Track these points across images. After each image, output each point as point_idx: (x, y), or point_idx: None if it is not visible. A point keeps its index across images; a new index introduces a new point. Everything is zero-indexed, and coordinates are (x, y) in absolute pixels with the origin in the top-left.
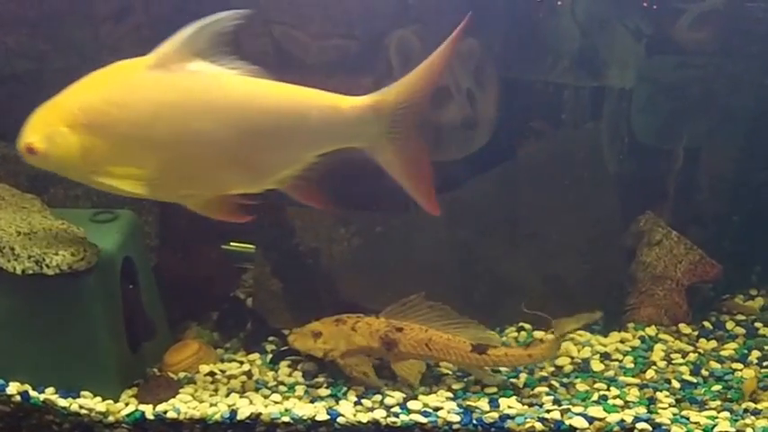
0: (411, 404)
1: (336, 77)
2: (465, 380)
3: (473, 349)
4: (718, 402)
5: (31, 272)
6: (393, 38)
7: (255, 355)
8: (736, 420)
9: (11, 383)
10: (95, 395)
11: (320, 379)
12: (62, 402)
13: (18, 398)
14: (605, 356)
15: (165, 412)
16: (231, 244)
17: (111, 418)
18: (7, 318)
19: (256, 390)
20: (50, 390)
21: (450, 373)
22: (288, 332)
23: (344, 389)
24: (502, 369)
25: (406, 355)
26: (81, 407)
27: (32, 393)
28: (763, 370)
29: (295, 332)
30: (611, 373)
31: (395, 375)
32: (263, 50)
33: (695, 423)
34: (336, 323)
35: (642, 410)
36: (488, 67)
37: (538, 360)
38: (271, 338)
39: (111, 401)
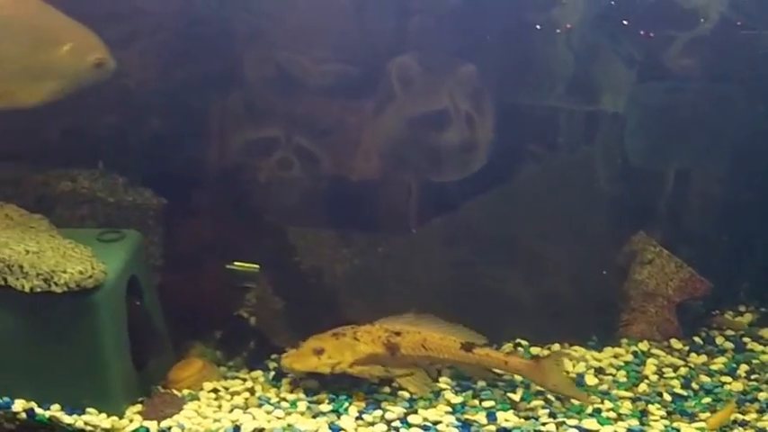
0: (411, 418)
1: (337, 102)
2: (463, 394)
3: (462, 347)
4: (708, 414)
5: (39, 289)
6: (394, 63)
7: (258, 373)
8: None
9: (16, 400)
10: (100, 412)
11: (322, 395)
12: (67, 419)
13: (23, 415)
14: (599, 371)
15: (170, 428)
16: (234, 264)
17: None
18: (15, 335)
19: (259, 406)
20: (56, 407)
21: (450, 387)
22: (283, 355)
23: (346, 404)
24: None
25: (407, 358)
26: (86, 423)
27: (38, 410)
28: (750, 383)
29: (290, 354)
30: (604, 387)
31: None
32: (267, 74)
33: None
34: (336, 336)
35: (635, 423)
36: (486, 92)
37: (512, 370)
38: (273, 356)
39: (115, 418)
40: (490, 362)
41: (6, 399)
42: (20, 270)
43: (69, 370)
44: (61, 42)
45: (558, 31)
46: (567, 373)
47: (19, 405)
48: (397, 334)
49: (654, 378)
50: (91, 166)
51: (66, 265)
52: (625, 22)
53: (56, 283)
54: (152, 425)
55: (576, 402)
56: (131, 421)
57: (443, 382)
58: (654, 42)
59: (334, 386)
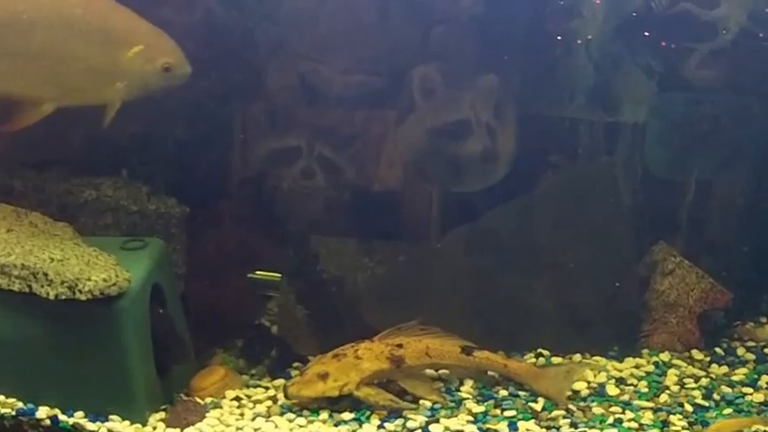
0: (433, 427)
1: (360, 112)
2: (485, 404)
3: (462, 351)
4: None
5: (64, 297)
6: (416, 74)
7: (281, 381)
8: None
9: (40, 407)
10: (124, 419)
11: (344, 404)
12: (91, 426)
13: (47, 422)
14: (620, 381)
15: None
16: (257, 272)
17: None
18: (39, 342)
19: (281, 414)
20: (79, 413)
21: (471, 397)
22: (287, 384)
23: (368, 413)
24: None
25: (413, 368)
26: (109, 430)
27: (62, 417)
28: None
29: (296, 382)
30: (626, 397)
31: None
32: (289, 84)
33: None
34: (337, 358)
35: None
36: (507, 102)
37: (512, 374)
38: (295, 364)
39: (139, 425)
40: (490, 365)
41: (30, 405)
42: (45, 277)
43: (93, 377)
44: (130, 44)
45: (578, 42)
46: (571, 388)
47: (43, 412)
48: (400, 346)
49: (675, 389)
50: (114, 175)
51: (91, 273)
52: (645, 34)
53: (80, 291)
54: None
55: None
56: (154, 429)
57: (465, 392)
58: (674, 53)
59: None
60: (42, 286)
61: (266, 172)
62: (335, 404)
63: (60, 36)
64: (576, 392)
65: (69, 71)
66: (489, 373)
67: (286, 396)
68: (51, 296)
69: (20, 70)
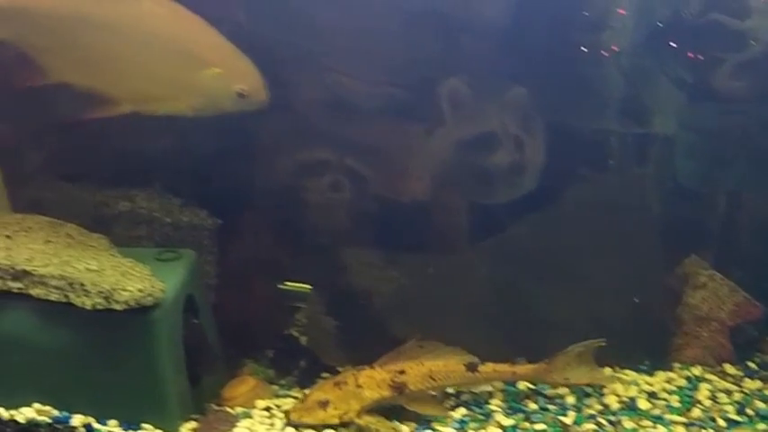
0: None
1: (388, 124)
2: (515, 416)
3: (467, 368)
4: None
5: (100, 307)
6: (444, 86)
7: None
8: None
9: (75, 415)
10: (156, 428)
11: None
12: None
13: (82, 430)
14: (652, 395)
15: None
16: (286, 283)
17: None
18: (75, 350)
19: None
20: (113, 422)
21: (501, 410)
22: (290, 409)
23: (397, 423)
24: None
25: (417, 393)
26: None
27: (96, 426)
28: None
29: (297, 408)
30: (657, 412)
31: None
32: (317, 97)
33: None
34: (338, 386)
35: None
36: (536, 115)
37: (522, 378)
38: (324, 375)
39: None
40: (498, 376)
41: (65, 413)
42: (81, 288)
43: (127, 386)
44: (208, 65)
45: (607, 53)
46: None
47: (77, 420)
48: (402, 372)
49: (707, 403)
50: (148, 187)
51: (127, 284)
52: (675, 45)
53: (116, 301)
54: None
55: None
56: None
57: (494, 405)
58: (704, 64)
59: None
60: (79, 296)
61: (295, 184)
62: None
63: (144, 46)
64: (607, 406)
65: (148, 80)
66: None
67: (288, 421)
68: (88, 306)
69: (104, 71)
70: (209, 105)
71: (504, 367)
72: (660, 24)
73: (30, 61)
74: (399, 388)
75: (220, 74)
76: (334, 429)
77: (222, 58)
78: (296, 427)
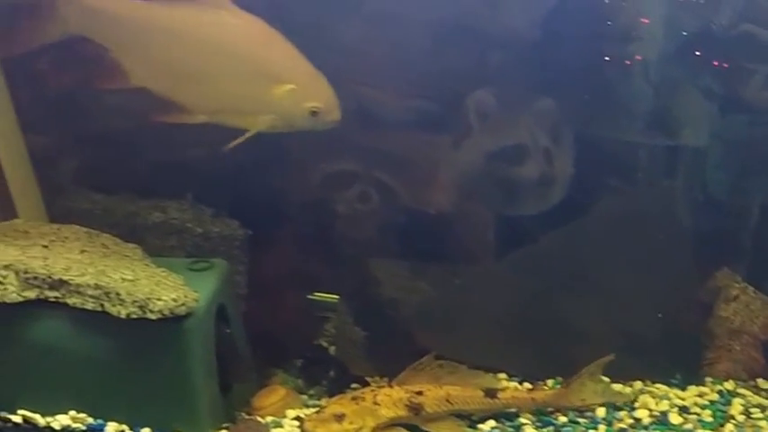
0: None
1: (417, 136)
2: (544, 430)
3: (485, 394)
4: None
5: (134, 316)
6: (472, 98)
7: None
8: None
9: (109, 423)
10: None
11: None
12: None
13: None
14: (684, 410)
15: None
16: (315, 294)
17: None
18: (109, 359)
19: None
20: (146, 430)
21: (530, 422)
22: (305, 418)
23: None
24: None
25: (433, 416)
26: None
27: None
28: None
29: (312, 419)
30: (689, 426)
31: None
32: (345, 109)
33: None
34: (355, 401)
35: None
36: (565, 126)
37: (542, 404)
38: (353, 385)
39: None
40: (517, 403)
41: (100, 421)
42: (117, 297)
43: (159, 394)
44: (283, 81)
45: (636, 65)
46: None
47: (111, 428)
48: (419, 393)
49: (741, 418)
50: (180, 198)
51: (161, 293)
52: (706, 56)
53: (150, 310)
54: None
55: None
56: None
57: (524, 418)
58: (734, 75)
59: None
60: (114, 305)
61: (324, 195)
62: None
63: (220, 59)
64: (638, 420)
65: (223, 93)
66: None
67: (302, 430)
68: (123, 315)
69: (182, 80)
70: (281, 122)
71: (522, 393)
72: (690, 36)
73: (114, 63)
74: (416, 409)
75: (294, 91)
76: None
77: (297, 76)
78: None
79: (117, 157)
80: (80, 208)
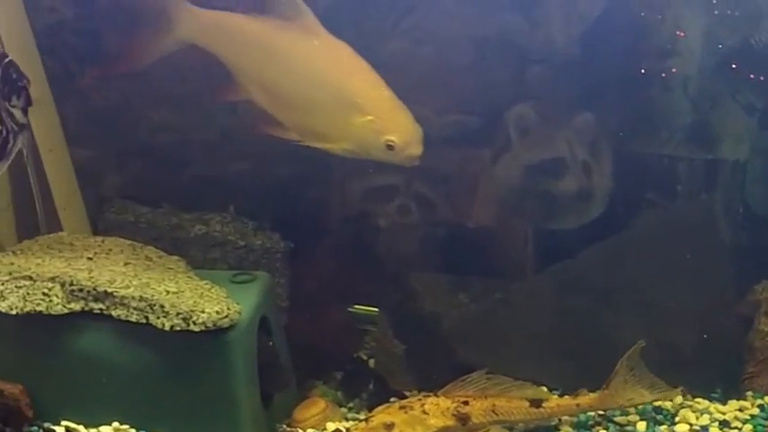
0: None
1: (457, 151)
2: None
3: (531, 404)
4: None
5: (178, 328)
6: (511, 113)
7: None
8: None
9: None
10: None
11: None
12: None
13: None
14: (724, 424)
15: None
16: (355, 307)
17: None
18: (153, 371)
19: None
20: None
21: (571, 430)
22: (351, 428)
23: None
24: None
25: (479, 426)
26: None
27: None
28: None
29: (360, 428)
30: None
31: None
32: None
33: None
34: (404, 410)
35: None
36: (604, 140)
37: (586, 410)
38: (392, 399)
39: None
40: (562, 412)
41: None
42: (161, 309)
43: (202, 406)
44: (362, 112)
45: (674, 79)
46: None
47: None
48: (466, 403)
49: None
50: (222, 211)
51: (205, 306)
52: (743, 70)
53: (194, 323)
54: None
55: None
56: None
57: (567, 424)
58: None
59: None
60: (158, 318)
61: (365, 209)
62: None
63: (309, 83)
64: None
65: (310, 116)
66: None
67: None
68: (167, 327)
69: (279, 99)
70: (359, 151)
71: (567, 401)
72: (728, 50)
73: (227, 76)
74: (463, 419)
75: (372, 122)
76: None
77: (377, 108)
78: None
79: (161, 170)
80: (125, 221)
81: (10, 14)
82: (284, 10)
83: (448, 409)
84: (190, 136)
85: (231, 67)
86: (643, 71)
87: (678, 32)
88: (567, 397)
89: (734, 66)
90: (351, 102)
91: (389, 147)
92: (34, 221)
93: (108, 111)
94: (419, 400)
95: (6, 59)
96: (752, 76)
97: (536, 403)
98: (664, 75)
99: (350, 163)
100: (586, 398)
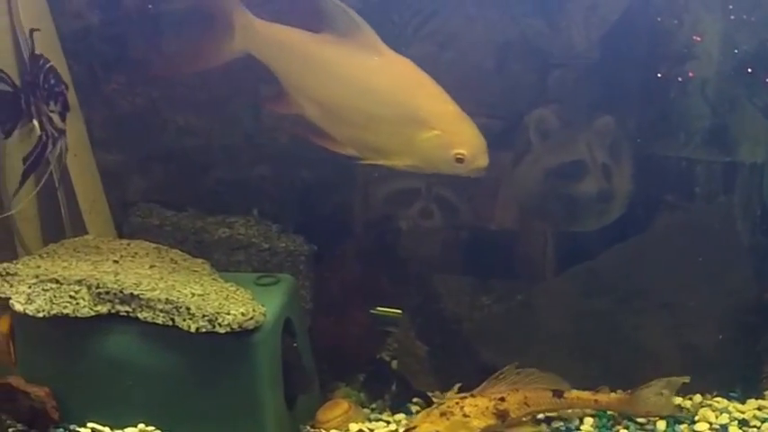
0: None
1: None
2: None
3: (553, 394)
4: None
5: (204, 330)
6: (532, 116)
7: (401, 416)
8: None
9: None
10: None
11: None
12: None
13: None
14: (743, 423)
15: None
16: (378, 308)
17: None
18: (178, 372)
19: None
20: None
21: (593, 429)
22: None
23: None
24: None
25: (515, 421)
26: None
27: None
28: None
29: None
30: None
31: None
32: None
33: None
34: (445, 416)
35: None
36: (623, 143)
37: (603, 407)
38: (415, 400)
39: None
40: (581, 403)
41: None
42: (187, 311)
43: (227, 407)
44: (428, 127)
45: (693, 82)
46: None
47: None
48: (502, 399)
49: None
50: (247, 214)
51: (230, 307)
52: (760, 73)
53: (220, 324)
54: None
55: None
56: None
57: (585, 430)
58: None
59: None
60: (185, 320)
61: (387, 212)
62: None
63: (372, 100)
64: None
65: (371, 132)
66: None
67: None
68: (192, 329)
69: (335, 114)
70: (425, 165)
71: (587, 395)
72: (745, 53)
73: (280, 88)
74: (502, 416)
75: (440, 137)
76: None
77: (445, 122)
78: None
79: (185, 175)
80: (150, 224)
81: (36, 18)
82: (343, 26)
83: (487, 408)
84: (214, 141)
85: (284, 81)
86: (661, 75)
87: (695, 37)
88: (587, 392)
89: (750, 69)
90: (417, 118)
91: (459, 160)
92: (59, 225)
93: (133, 116)
94: (457, 403)
95: (47, 65)
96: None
97: (558, 393)
98: (680, 78)
99: (372, 167)
100: (606, 396)
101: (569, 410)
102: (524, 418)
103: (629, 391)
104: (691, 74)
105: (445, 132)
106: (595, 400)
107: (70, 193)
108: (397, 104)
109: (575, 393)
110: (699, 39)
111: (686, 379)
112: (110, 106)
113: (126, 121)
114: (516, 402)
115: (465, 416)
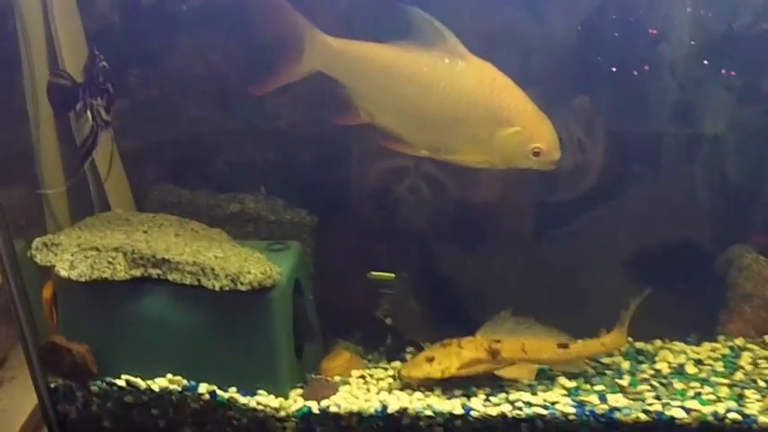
0: (532, 399)
1: None
2: (576, 380)
3: (559, 346)
4: None
5: (227, 288)
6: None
7: (397, 363)
8: None
9: (201, 384)
10: (269, 393)
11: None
12: (242, 400)
13: (207, 396)
14: (698, 362)
15: (328, 407)
16: (373, 273)
17: (282, 413)
18: (204, 328)
19: (401, 389)
20: (233, 389)
21: (563, 374)
22: (401, 367)
23: (474, 389)
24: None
25: (507, 361)
26: (258, 403)
27: (219, 393)
28: None
29: (407, 365)
30: (704, 375)
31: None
32: None
33: None
34: (444, 346)
35: (733, 404)
36: (597, 120)
37: (610, 348)
38: (409, 349)
39: (282, 399)
40: (589, 351)
41: (193, 383)
42: (212, 272)
43: (246, 356)
44: (509, 124)
45: (662, 62)
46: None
47: (203, 388)
48: (497, 341)
49: (749, 368)
50: (255, 191)
51: (250, 267)
52: (726, 54)
53: (242, 283)
54: (313, 404)
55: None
56: (295, 401)
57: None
58: (753, 71)
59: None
60: (209, 280)
61: (381, 187)
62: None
63: (453, 105)
64: (659, 371)
65: (449, 135)
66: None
67: (399, 377)
68: (217, 288)
69: (410, 121)
70: (503, 161)
71: (593, 342)
72: (712, 35)
73: (347, 100)
74: (494, 353)
75: (519, 132)
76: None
77: (522, 117)
78: (407, 381)
79: (200, 157)
80: (167, 201)
81: (66, 18)
82: (427, 36)
83: (481, 344)
84: (221, 128)
85: (353, 93)
86: (631, 56)
87: (669, 22)
88: (591, 339)
89: (717, 49)
90: (497, 115)
91: (536, 153)
92: (89, 202)
93: (150, 106)
94: (458, 340)
95: (101, 63)
96: (734, 58)
97: (564, 345)
98: (651, 58)
99: (366, 146)
100: (607, 338)
101: (574, 361)
102: (523, 364)
103: (618, 324)
104: (664, 56)
105: (525, 128)
106: (602, 344)
107: (96, 176)
108: (481, 105)
109: (581, 343)
110: (655, 32)
111: (649, 290)
112: (130, 99)
113: (144, 112)
114: (512, 346)
115: (459, 347)
